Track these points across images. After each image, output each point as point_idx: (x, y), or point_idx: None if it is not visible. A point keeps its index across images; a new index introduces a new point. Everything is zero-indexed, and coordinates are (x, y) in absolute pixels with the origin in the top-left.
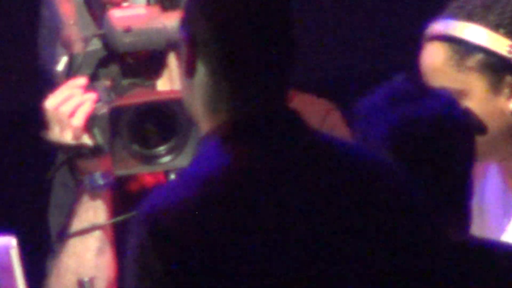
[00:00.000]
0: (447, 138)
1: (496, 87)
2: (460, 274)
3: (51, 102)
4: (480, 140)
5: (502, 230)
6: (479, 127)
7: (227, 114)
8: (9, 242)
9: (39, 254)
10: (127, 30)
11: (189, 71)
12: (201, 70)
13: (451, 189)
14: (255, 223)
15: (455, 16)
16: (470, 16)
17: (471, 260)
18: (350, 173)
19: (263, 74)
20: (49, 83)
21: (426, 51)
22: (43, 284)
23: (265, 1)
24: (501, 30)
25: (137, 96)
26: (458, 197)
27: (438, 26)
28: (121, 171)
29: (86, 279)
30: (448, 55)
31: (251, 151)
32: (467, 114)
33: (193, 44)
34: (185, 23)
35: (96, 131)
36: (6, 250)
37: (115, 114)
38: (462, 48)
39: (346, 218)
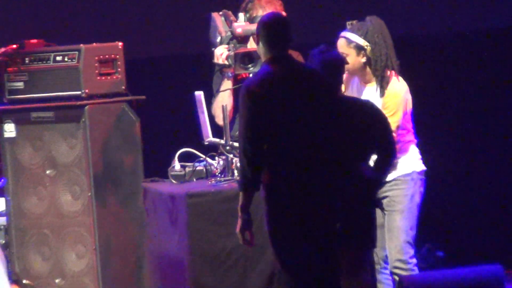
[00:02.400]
0: (338, 63)
1: (358, 54)
2: (342, 111)
3: (216, 51)
4: (349, 67)
5: (358, 93)
6: (347, 62)
7: (270, 55)
8: (200, 94)
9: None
10: (239, 29)
11: (257, 43)
12: (261, 43)
13: (338, 76)
14: (281, 89)
15: (350, 30)
16: (354, 31)
17: (347, 102)
18: (310, 77)
19: (281, 44)
20: (214, 46)
21: (339, 41)
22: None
23: (279, 22)
24: (362, 37)
25: (242, 49)
26: (339, 80)
27: (344, 33)
28: (237, 72)
29: (225, 104)
30: (345, 42)
31: (278, 66)
32: (345, 58)
33: (258, 35)
34: (257, 29)
35: (229, 59)
36: (199, 97)
37: (236, 54)
38: (349, 41)
39: (309, 99)
